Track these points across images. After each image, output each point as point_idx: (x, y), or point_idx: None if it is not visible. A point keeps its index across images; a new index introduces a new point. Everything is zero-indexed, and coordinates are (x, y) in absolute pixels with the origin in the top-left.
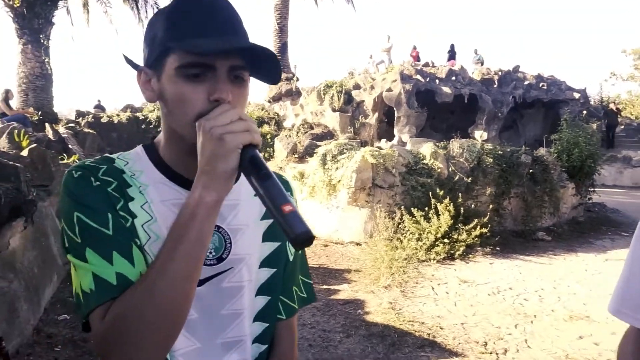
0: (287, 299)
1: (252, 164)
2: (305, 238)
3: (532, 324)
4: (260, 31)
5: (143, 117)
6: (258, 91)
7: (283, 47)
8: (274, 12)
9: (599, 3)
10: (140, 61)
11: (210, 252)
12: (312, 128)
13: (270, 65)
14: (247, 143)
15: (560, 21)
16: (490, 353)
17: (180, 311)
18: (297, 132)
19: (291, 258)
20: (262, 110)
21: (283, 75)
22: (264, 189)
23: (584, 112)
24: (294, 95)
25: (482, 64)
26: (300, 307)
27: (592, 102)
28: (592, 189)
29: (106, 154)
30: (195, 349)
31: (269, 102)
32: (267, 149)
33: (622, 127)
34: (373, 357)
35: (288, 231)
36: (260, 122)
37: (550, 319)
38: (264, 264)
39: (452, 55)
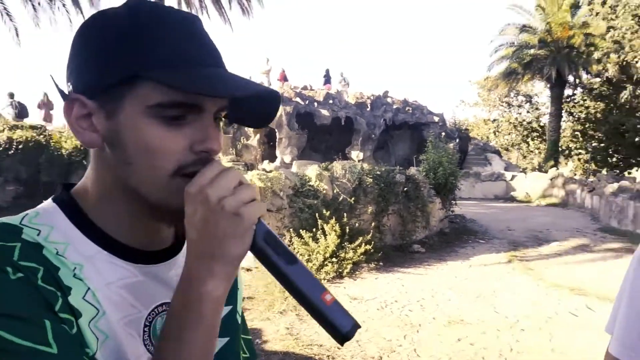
0: (246, 355)
1: (268, 244)
2: (352, 332)
3: (418, 333)
4: None
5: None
6: None
7: None
8: None
9: (453, 40)
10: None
11: None
12: None
13: (266, 107)
14: (262, 216)
15: (422, 49)
16: None
17: None
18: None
19: (241, 316)
20: None
21: None
22: (293, 275)
23: (443, 134)
24: None
25: (348, 86)
26: None
27: (448, 125)
28: (454, 202)
29: (4, 220)
30: None
31: None
32: None
33: (472, 146)
34: None
35: (336, 328)
36: None
37: (432, 326)
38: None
39: (327, 79)
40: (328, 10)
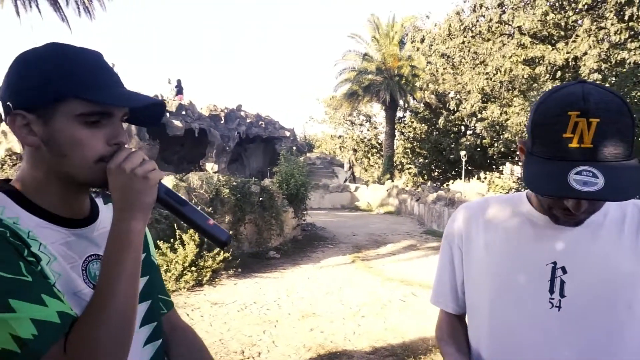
0: (164, 296)
1: (169, 195)
2: (229, 239)
3: (275, 328)
4: None
5: None
6: None
7: None
8: None
9: (303, 60)
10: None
11: (97, 279)
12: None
13: (156, 113)
14: (161, 179)
15: (275, 65)
16: (248, 358)
17: (133, 322)
18: (2, 165)
19: (156, 262)
20: None
21: None
22: (187, 212)
23: (294, 147)
24: None
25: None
26: (172, 301)
27: (299, 139)
28: (305, 212)
29: None
30: None
31: None
32: None
33: (320, 160)
34: None
35: (217, 239)
36: None
37: (288, 320)
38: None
39: (179, 90)
40: (180, 21)
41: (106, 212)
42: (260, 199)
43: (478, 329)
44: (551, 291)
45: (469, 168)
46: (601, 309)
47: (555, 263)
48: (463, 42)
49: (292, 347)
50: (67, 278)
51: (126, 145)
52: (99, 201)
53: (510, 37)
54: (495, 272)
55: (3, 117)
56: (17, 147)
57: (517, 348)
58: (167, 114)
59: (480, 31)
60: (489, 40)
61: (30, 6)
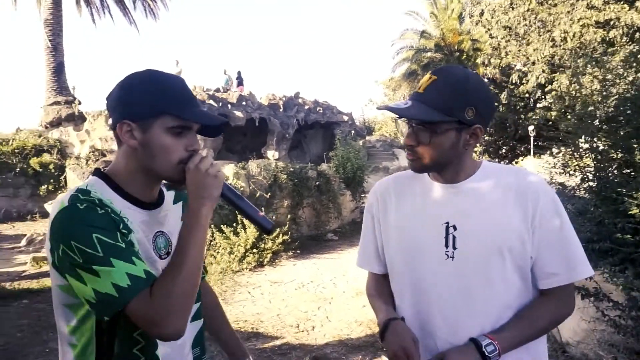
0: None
1: (230, 191)
2: (273, 228)
3: (330, 304)
4: (32, 49)
5: None
6: (32, 115)
7: (59, 67)
8: (44, 28)
9: (359, 43)
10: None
11: (161, 250)
12: (104, 155)
13: (220, 127)
14: (226, 178)
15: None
16: (303, 331)
17: (198, 279)
18: (88, 160)
19: None
20: (40, 137)
21: (62, 98)
22: (243, 205)
23: (352, 131)
24: (76, 120)
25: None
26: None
27: (357, 123)
28: (363, 194)
29: (79, 187)
30: None
31: (46, 127)
32: (51, 180)
33: (380, 142)
34: (208, 356)
35: (264, 227)
36: (39, 151)
37: (342, 298)
38: None
39: (240, 81)
40: (236, 14)
41: (168, 198)
42: (317, 183)
43: (396, 282)
44: (446, 245)
45: (539, 144)
46: (485, 257)
47: (447, 222)
48: (528, 10)
49: (345, 322)
50: (144, 247)
51: (199, 150)
52: (163, 188)
53: (582, 0)
54: (403, 233)
55: (111, 122)
56: (99, 144)
57: (424, 294)
58: (229, 106)
59: None
60: (556, 5)
61: (104, 13)
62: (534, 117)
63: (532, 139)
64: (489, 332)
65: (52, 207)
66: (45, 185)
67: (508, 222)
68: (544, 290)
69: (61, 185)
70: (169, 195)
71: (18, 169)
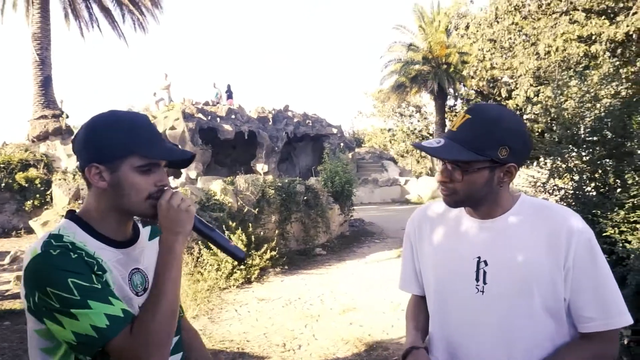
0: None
1: (201, 223)
2: (245, 257)
3: (317, 322)
4: (19, 63)
5: None
6: (18, 129)
7: (46, 81)
8: (33, 42)
9: (348, 55)
10: None
11: (138, 287)
12: None
13: (188, 160)
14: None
15: (320, 63)
16: (289, 350)
17: (176, 313)
18: (75, 175)
19: None
20: (26, 151)
21: (49, 112)
22: (215, 236)
23: (341, 144)
24: (63, 133)
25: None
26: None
27: (347, 135)
28: (352, 208)
29: (51, 233)
30: None
31: (33, 141)
32: (37, 195)
33: (369, 154)
34: None
35: (236, 256)
36: (25, 165)
37: (329, 315)
38: None
39: (229, 94)
40: (227, 28)
41: (144, 234)
42: (305, 197)
43: (430, 308)
44: (477, 279)
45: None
46: (514, 294)
47: (479, 257)
48: (512, 24)
49: (331, 340)
50: (120, 286)
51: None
52: (139, 225)
53: (564, 15)
54: (436, 264)
55: (79, 166)
56: None
57: (451, 325)
58: (218, 119)
59: (530, 11)
60: (539, 19)
61: (93, 26)
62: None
63: None
64: None
65: (25, 254)
66: (31, 201)
67: (539, 260)
68: (582, 334)
69: (47, 200)
70: (145, 232)
71: (3, 184)
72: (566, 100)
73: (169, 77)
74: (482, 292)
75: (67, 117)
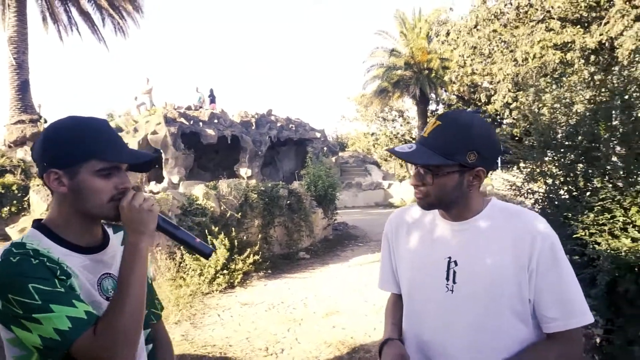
0: (154, 309)
1: (165, 222)
2: (211, 252)
3: (300, 326)
4: None
5: None
6: None
7: (23, 85)
8: (9, 46)
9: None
10: None
11: (109, 292)
12: None
13: (150, 163)
14: (158, 210)
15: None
16: (272, 354)
17: (142, 311)
18: None
19: (150, 281)
20: (2, 157)
21: (27, 117)
22: (180, 234)
23: (325, 148)
24: None
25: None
26: (161, 313)
27: (330, 140)
28: (336, 212)
29: (14, 241)
30: None
31: (10, 146)
32: (14, 202)
33: (353, 158)
34: None
35: (203, 252)
36: (1, 171)
37: (312, 319)
38: None
39: (212, 99)
40: (209, 31)
41: (115, 239)
42: (289, 202)
43: (404, 306)
44: (447, 279)
45: (506, 159)
46: (482, 294)
47: (450, 257)
48: (493, 31)
49: (314, 344)
50: (87, 291)
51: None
52: (110, 230)
53: (540, 23)
54: (409, 264)
55: (38, 173)
56: None
57: (422, 322)
58: (201, 123)
59: (508, 19)
60: (517, 27)
61: (72, 30)
62: (501, 133)
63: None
64: None
65: None
66: (8, 207)
67: (504, 264)
68: (548, 335)
69: (25, 207)
70: (116, 238)
71: None
72: (543, 106)
73: (150, 81)
74: (452, 291)
75: (46, 121)
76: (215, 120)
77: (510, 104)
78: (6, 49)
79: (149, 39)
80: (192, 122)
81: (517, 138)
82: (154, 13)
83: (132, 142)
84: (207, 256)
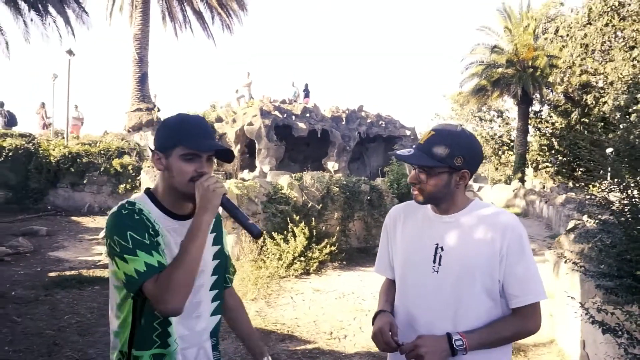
0: (229, 275)
1: (227, 202)
2: (260, 234)
3: (366, 316)
4: (120, 60)
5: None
6: (117, 120)
7: (143, 77)
8: (134, 42)
9: (428, 57)
10: None
11: None
12: None
13: (228, 154)
14: (225, 192)
15: (398, 64)
16: (335, 339)
17: (196, 271)
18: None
19: (227, 253)
20: (122, 140)
21: (144, 105)
22: (237, 213)
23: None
24: (155, 125)
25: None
26: (233, 277)
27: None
28: None
29: (129, 199)
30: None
31: (129, 131)
32: (129, 180)
33: None
34: (244, 352)
35: (253, 232)
36: (120, 153)
37: None
38: (215, 257)
39: (307, 93)
40: (307, 28)
41: None
42: (369, 197)
43: (397, 286)
44: (434, 261)
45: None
46: (461, 275)
47: (437, 244)
48: (607, 25)
49: None
50: (170, 249)
51: (207, 173)
52: None
53: None
54: (404, 249)
55: (151, 155)
56: None
57: (410, 297)
58: (293, 117)
59: (629, 11)
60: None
61: (186, 27)
62: (614, 138)
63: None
64: (461, 332)
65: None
66: (124, 185)
67: (481, 250)
68: (512, 309)
69: (137, 185)
70: None
71: (102, 169)
72: None
73: (250, 75)
74: (437, 272)
75: (159, 110)
76: (307, 115)
77: (627, 106)
78: (131, 44)
79: (251, 35)
80: (285, 115)
81: (633, 146)
82: (256, 10)
83: (230, 132)
84: (255, 236)
